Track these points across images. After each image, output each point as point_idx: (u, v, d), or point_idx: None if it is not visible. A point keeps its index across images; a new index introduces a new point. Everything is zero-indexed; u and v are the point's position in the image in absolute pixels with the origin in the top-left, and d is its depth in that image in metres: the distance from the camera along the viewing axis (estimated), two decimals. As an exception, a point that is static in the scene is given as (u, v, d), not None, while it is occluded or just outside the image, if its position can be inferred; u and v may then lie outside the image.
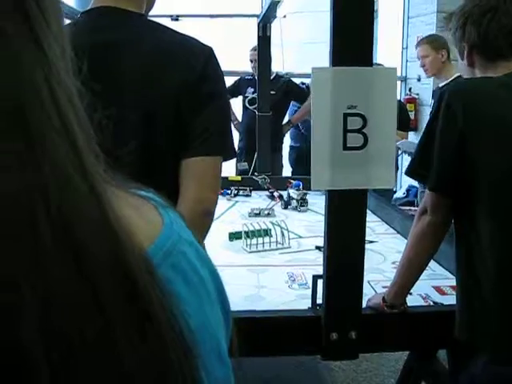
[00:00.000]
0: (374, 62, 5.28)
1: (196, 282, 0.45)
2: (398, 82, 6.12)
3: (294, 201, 3.23)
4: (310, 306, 1.65)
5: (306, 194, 3.25)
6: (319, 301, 1.59)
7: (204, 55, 1.25)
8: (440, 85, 3.96)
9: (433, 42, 3.86)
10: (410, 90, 5.98)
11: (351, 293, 1.51)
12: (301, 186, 3.28)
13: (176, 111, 1.20)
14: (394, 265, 2.30)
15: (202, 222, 1.19)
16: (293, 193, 3.26)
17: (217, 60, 1.28)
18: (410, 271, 1.56)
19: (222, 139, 1.24)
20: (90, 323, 0.34)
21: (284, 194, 3.36)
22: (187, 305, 0.42)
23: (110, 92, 1.20)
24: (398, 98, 6.08)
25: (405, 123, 4.42)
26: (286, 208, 3.26)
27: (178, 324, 0.39)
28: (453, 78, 3.77)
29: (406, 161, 4.56)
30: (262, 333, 1.56)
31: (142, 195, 0.49)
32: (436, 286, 2.07)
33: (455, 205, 1.46)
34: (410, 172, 1.50)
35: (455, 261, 1.51)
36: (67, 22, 1.39)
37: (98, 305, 0.34)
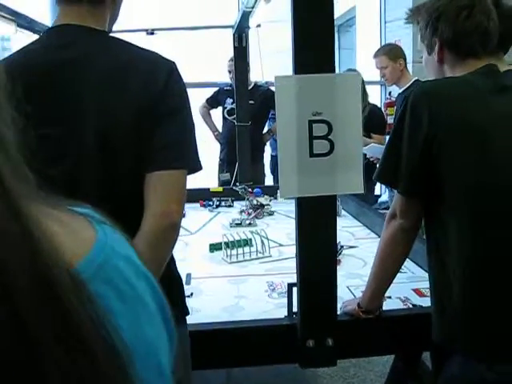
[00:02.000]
0: (352, 68, 5.34)
1: (131, 296, 0.45)
2: (378, 87, 6.16)
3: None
4: (287, 314, 1.65)
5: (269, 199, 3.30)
6: (296, 309, 1.59)
7: (165, 70, 1.25)
8: (400, 91, 4.07)
9: (389, 53, 3.99)
10: (389, 93, 5.99)
11: (325, 299, 1.51)
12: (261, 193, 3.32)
13: (137, 126, 1.20)
14: (373, 269, 2.31)
15: (167, 236, 1.18)
16: (263, 200, 3.27)
17: (179, 74, 1.28)
18: (383, 276, 1.56)
19: (185, 152, 1.23)
20: (12, 342, 0.33)
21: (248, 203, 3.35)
22: (121, 319, 0.42)
23: (71, 108, 1.21)
24: (378, 102, 6.12)
25: (381, 127, 4.50)
26: (256, 218, 3.22)
27: (110, 338, 0.38)
28: (411, 82, 3.99)
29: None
30: (238, 343, 1.56)
31: (77, 212, 0.49)
32: (415, 288, 2.08)
33: (425, 206, 1.47)
34: (378, 177, 1.48)
35: (427, 263, 1.51)
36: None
37: (18, 323, 0.34)
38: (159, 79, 1.22)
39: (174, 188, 1.20)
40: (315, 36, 1.39)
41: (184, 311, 1.37)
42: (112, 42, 1.30)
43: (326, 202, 1.46)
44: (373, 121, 4.42)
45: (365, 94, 4.46)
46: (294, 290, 1.58)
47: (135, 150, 1.20)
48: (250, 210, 3.25)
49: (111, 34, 1.38)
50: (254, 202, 3.20)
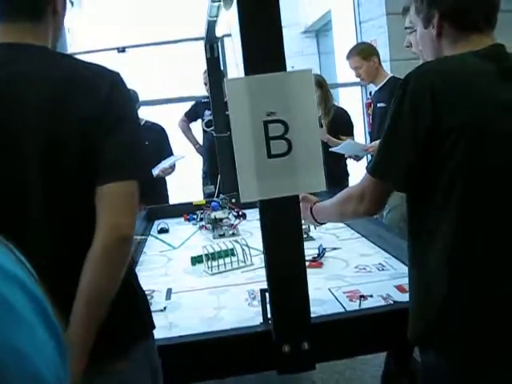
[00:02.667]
0: (316, 73, 5.32)
1: None
2: (359, 88, 6.16)
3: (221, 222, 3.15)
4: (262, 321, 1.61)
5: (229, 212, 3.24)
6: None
7: (108, 81, 1.23)
8: (376, 88, 4.07)
9: (362, 53, 3.99)
10: (370, 93, 6.01)
11: (297, 303, 1.47)
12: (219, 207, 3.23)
13: (82, 140, 1.17)
14: (356, 269, 2.28)
15: (119, 249, 1.15)
16: (219, 214, 3.17)
17: (124, 85, 1.26)
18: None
19: (133, 163, 1.21)
20: None
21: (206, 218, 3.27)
22: None
23: (12, 129, 1.18)
24: (360, 103, 6.12)
25: (348, 128, 4.53)
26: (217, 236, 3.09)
27: None
28: (387, 79, 3.99)
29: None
30: (213, 355, 1.53)
31: None
32: (398, 285, 2.05)
33: (410, 200, 1.42)
34: (373, 171, 1.38)
35: (408, 257, 1.46)
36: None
37: None
38: (101, 91, 1.20)
39: (124, 200, 1.17)
40: (263, 35, 1.37)
41: (149, 325, 1.34)
42: (53, 58, 1.28)
43: (289, 203, 1.43)
44: (339, 122, 4.43)
45: (328, 97, 4.46)
46: (268, 295, 1.55)
47: (82, 165, 1.18)
48: (208, 225, 3.18)
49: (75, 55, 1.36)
50: (212, 217, 3.12)
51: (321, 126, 4.22)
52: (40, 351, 0.44)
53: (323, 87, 4.42)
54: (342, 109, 4.73)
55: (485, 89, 1.29)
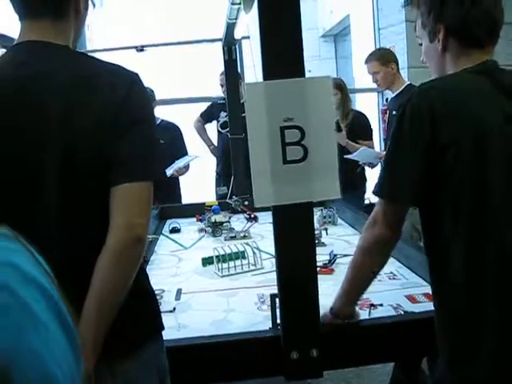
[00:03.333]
0: (337, 77, 5.31)
1: (12, 304, 0.44)
2: (375, 94, 6.14)
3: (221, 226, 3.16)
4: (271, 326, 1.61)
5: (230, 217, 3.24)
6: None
7: (126, 82, 1.23)
8: (393, 95, 4.04)
9: (381, 58, 3.95)
10: (386, 100, 5.99)
11: (308, 309, 1.47)
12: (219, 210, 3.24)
13: (98, 140, 1.18)
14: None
15: (132, 249, 1.16)
16: (219, 217, 3.18)
17: (142, 85, 1.26)
18: (357, 281, 1.51)
19: (149, 164, 1.21)
20: None
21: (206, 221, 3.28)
22: None
23: (32, 124, 1.19)
24: (376, 109, 6.11)
25: (367, 132, 4.52)
26: (215, 236, 3.15)
27: None
28: (404, 86, 3.95)
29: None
30: (221, 358, 1.53)
31: None
32: (408, 294, 2.03)
33: (421, 215, 1.40)
34: (379, 192, 1.38)
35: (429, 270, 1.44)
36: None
37: None
38: (120, 91, 1.21)
39: (138, 201, 1.18)
40: (284, 40, 1.37)
41: (158, 326, 1.34)
42: (73, 57, 1.29)
43: (302, 210, 1.42)
44: (357, 127, 4.42)
45: (347, 101, 4.45)
46: (278, 301, 1.55)
47: (97, 164, 1.18)
48: (208, 228, 3.19)
49: (92, 53, 1.37)
50: (212, 220, 3.13)
51: (340, 130, 4.20)
52: (54, 352, 0.45)
53: (343, 91, 4.40)
54: (361, 113, 4.71)
55: (480, 104, 1.32)
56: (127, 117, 1.20)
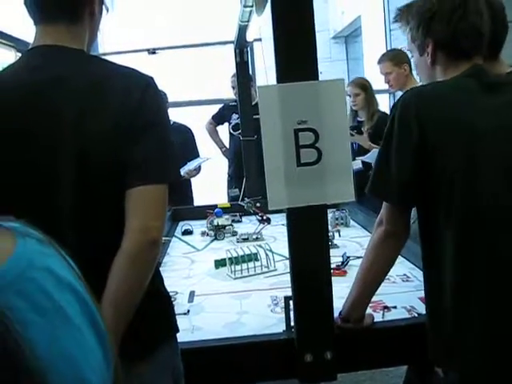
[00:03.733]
0: (361, 76, 5.29)
1: (48, 308, 0.44)
2: (386, 95, 6.12)
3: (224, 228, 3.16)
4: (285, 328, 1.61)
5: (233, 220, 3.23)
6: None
7: (141, 85, 1.24)
8: None
9: (394, 58, 3.90)
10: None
11: (322, 311, 1.47)
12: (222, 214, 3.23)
13: (113, 143, 1.19)
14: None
15: (147, 252, 1.16)
16: (222, 221, 3.18)
17: (156, 89, 1.27)
18: (366, 283, 1.53)
19: (164, 167, 1.22)
20: None
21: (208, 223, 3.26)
22: (35, 332, 0.42)
23: (47, 129, 1.20)
24: (387, 110, 6.08)
25: None
26: (216, 239, 3.14)
27: (20, 351, 0.38)
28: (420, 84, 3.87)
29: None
30: (235, 360, 1.53)
31: (1, 226, 0.48)
32: (422, 296, 2.02)
33: (419, 213, 1.44)
34: (370, 191, 1.45)
35: (422, 269, 1.48)
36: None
37: None
38: (134, 94, 1.21)
39: (154, 203, 1.18)
40: (297, 43, 1.37)
41: (173, 328, 1.35)
42: (88, 61, 1.30)
43: (316, 212, 1.42)
44: (382, 128, 4.34)
45: (372, 102, 4.40)
46: (292, 303, 1.55)
47: (114, 168, 1.19)
48: (211, 232, 3.18)
49: (104, 56, 1.37)
50: (215, 223, 3.13)
51: (361, 132, 4.17)
52: (89, 357, 0.46)
53: (367, 90, 4.33)
54: (385, 113, 4.64)
55: (467, 107, 1.36)
56: (142, 120, 1.21)
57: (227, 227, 3.15)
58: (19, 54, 2.97)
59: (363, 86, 4.27)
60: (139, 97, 1.21)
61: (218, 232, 3.12)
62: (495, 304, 1.33)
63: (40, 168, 1.20)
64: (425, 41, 1.47)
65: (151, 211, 1.17)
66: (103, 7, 1.38)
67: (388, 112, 4.67)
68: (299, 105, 1.38)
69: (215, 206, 3.79)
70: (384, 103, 6.23)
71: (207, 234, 3.24)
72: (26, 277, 0.44)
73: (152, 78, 1.28)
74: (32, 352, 0.39)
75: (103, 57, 1.40)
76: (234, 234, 3.16)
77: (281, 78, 1.39)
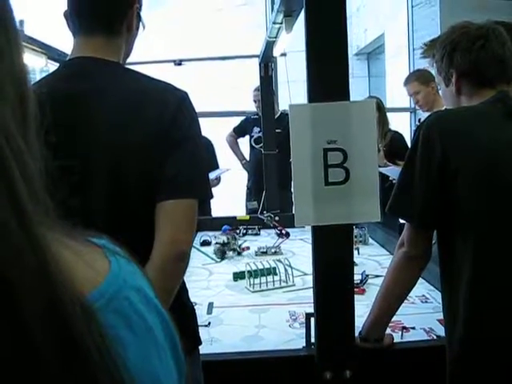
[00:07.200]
0: (375, 96, 5.29)
1: (141, 327, 0.45)
2: (407, 114, 6.12)
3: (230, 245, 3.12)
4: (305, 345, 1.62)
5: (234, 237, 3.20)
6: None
7: (176, 99, 1.26)
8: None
9: (421, 78, 3.90)
10: (419, 120, 5.96)
11: (343, 330, 1.48)
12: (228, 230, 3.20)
13: (148, 156, 1.21)
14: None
15: (176, 265, 1.18)
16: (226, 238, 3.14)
17: (190, 104, 1.29)
18: (386, 304, 1.55)
19: (195, 181, 1.24)
20: (19, 367, 0.34)
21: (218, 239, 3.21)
22: (129, 350, 0.43)
23: (84, 139, 1.22)
24: (408, 129, 6.08)
25: (405, 153, 4.43)
26: (222, 259, 3.08)
27: (116, 370, 0.39)
28: (444, 108, 3.85)
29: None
30: (254, 374, 1.54)
31: (93, 243, 0.49)
32: (440, 318, 2.02)
33: (437, 234, 1.45)
34: (391, 210, 1.46)
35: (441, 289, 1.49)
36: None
37: (27, 349, 0.35)
38: (169, 109, 1.23)
39: (184, 217, 1.20)
40: (329, 64, 1.40)
41: (196, 341, 1.36)
42: (125, 74, 1.32)
43: (342, 231, 1.44)
44: (396, 147, 4.36)
45: (385, 121, 4.41)
46: (313, 320, 1.56)
47: (146, 180, 1.21)
48: (222, 248, 3.12)
49: (130, 66, 1.40)
50: (220, 242, 3.08)
51: (378, 150, 4.17)
52: (168, 376, 0.47)
53: (381, 110, 4.35)
54: (399, 133, 4.63)
55: (488, 130, 1.38)
56: (176, 134, 1.23)
57: (232, 244, 3.12)
58: (50, 61, 3.02)
59: (377, 106, 4.29)
60: (174, 111, 1.24)
61: (222, 248, 3.07)
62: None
63: (74, 176, 1.23)
64: (449, 72, 1.52)
65: (181, 225, 1.19)
66: (140, 24, 1.40)
67: (399, 131, 4.70)
68: (330, 124, 1.40)
69: (234, 218, 3.81)
70: (405, 122, 6.24)
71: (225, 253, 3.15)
72: (122, 296, 0.45)
73: (186, 93, 1.30)
74: (127, 371, 0.39)
75: (129, 66, 1.43)
76: (234, 251, 3.11)
77: (312, 97, 1.41)
